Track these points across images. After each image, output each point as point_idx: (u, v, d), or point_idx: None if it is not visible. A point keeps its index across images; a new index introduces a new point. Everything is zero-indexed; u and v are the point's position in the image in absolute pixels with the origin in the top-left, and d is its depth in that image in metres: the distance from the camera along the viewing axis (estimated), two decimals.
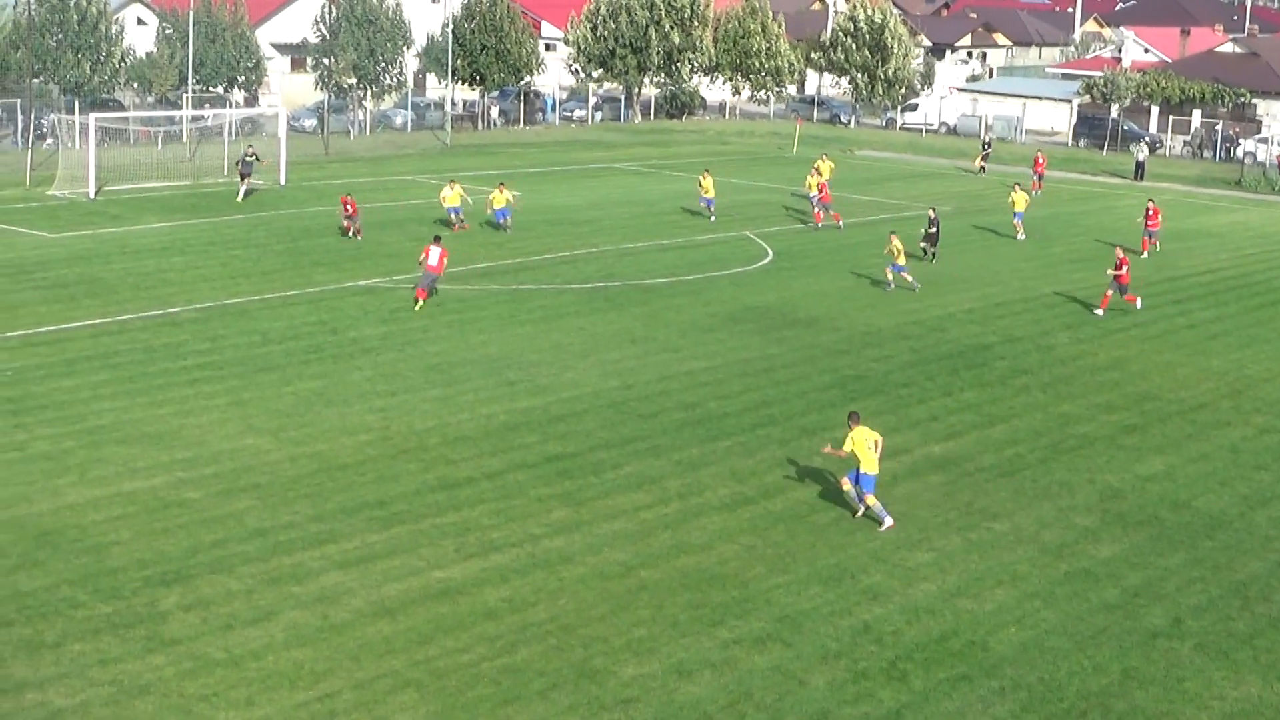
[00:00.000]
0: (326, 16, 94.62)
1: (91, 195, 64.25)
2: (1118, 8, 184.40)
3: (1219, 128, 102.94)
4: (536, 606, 24.44)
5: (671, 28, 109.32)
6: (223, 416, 33.67)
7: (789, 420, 35.21)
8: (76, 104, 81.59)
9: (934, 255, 55.66)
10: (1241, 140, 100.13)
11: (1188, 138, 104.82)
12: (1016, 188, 63.79)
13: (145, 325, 41.71)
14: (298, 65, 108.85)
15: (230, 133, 79.27)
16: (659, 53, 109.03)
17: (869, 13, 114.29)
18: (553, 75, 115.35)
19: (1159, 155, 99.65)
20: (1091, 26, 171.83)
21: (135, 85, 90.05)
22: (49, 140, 79.47)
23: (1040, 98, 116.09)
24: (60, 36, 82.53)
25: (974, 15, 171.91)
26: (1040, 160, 79.61)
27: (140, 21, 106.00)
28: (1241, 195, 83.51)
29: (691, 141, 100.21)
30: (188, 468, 30.16)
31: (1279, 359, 42.92)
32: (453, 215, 58.23)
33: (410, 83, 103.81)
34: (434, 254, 45.24)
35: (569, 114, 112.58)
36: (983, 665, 22.97)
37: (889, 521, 28.52)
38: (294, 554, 26.09)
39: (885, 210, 68.29)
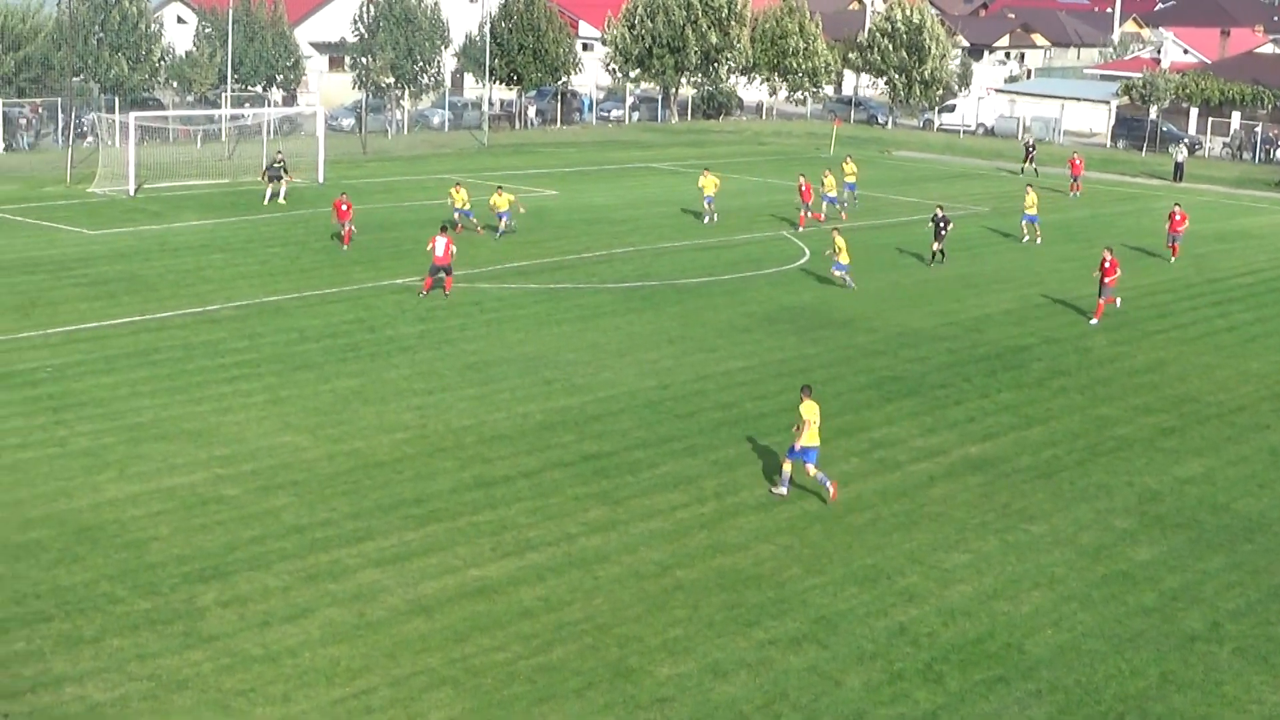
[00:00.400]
0: (365, 15, 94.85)
1: (131, 193, 64.57)
2: (1157, 8, 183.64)
3: (1259, 129, 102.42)
4: (572, 605, 24.47)
5: (709, 28, 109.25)
6: (261, 414, 33.80)
7: (825, 420, 34.81)
8: (117, 102, 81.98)
9: (942, 255, 54.93)
10: None
11: (1227, 139, 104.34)
12: (1029, 189, 63.08)
13: (184, 322, 41.90)
14: (336, 64, 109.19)
15: (269, 132, 79.55)
16: (696, 53, 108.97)
17: (906, 13, 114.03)
18: (590, 75, 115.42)
19: (1198, 157, 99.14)
20: (1130, 27, 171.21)
21: (175, 84, 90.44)
22: (89, 138, 79.88)
23: (1079, 99, 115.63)
24: (101, 35, 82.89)
25: (1012, 16, 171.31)
26: (1077, 162, 79.28)
27: (180, 20, 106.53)
28: None
29: (728, 142, 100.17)
30: (226, 464, 30.29)
31: None
32: (458, 215, 57.47)
33: (448, 82, 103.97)
34: (440, 245, 45.70)
35: (606, 114, 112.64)
36: (1019, 667, 22.91)
37: (832, 489, 29.52)
38: (331, 551, 26.18)
39: (923, 211, 68.07)
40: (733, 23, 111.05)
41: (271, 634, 22.92)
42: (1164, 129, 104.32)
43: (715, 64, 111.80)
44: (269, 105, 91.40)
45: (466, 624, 23.58)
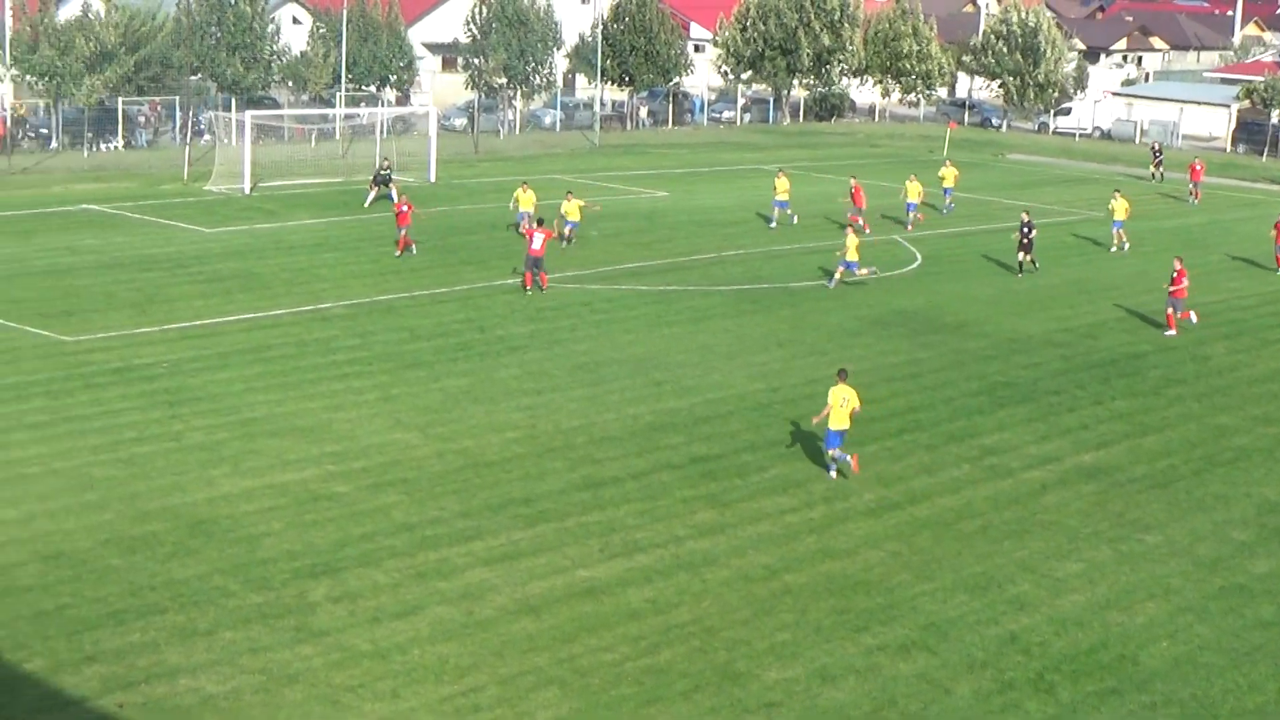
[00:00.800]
0: (477, 17, 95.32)
1: (246, 191, 65.29)
2: (1279, 11, 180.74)
3: None
4: (680, 608, 24.43)
5: (821, 29, 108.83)
6: (372, 411, 34.04)
7: (935, 426, 34.91)
8: (233, 101, 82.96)
9: (1033, 264, 53.24)
10: None
11: None
12: (1117, 194, 61.36)
13: (297, 320, 42.30)
14: (449, 65, 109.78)
15: (382, 131, 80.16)
16: (808, 54, 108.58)
17: (1022, 15, 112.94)
18: (701, 76, 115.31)
19: None
20: (1252, 30, 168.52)
21: (290, 83, 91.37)
22: (206, 137, 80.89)
23: (1198, 102, 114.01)
24: (218, 35, 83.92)
25: (1130, 18, 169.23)
26: (1198, 167, 78.11)
27: (295, 21, 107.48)
28: None
29: (840, 144, 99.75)
30: (337, 461, 30.53)
31: None
32: (521, 221, 55.23)
33: (559, 83, 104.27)
34: (537, 239, 46.12)
35: (717, 115, 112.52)
36: (1133, 679, 22.60)
37: (832, 473, 30.73)
38: (440, 549, 26.31)
39: (1037, 216, 67.40)
40: (845, 24, 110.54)
41: (381, 630, 23.06)
42: None
43: (827, 66, 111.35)
44: (382, 105, 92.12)
45: (574, 624, 23.61)
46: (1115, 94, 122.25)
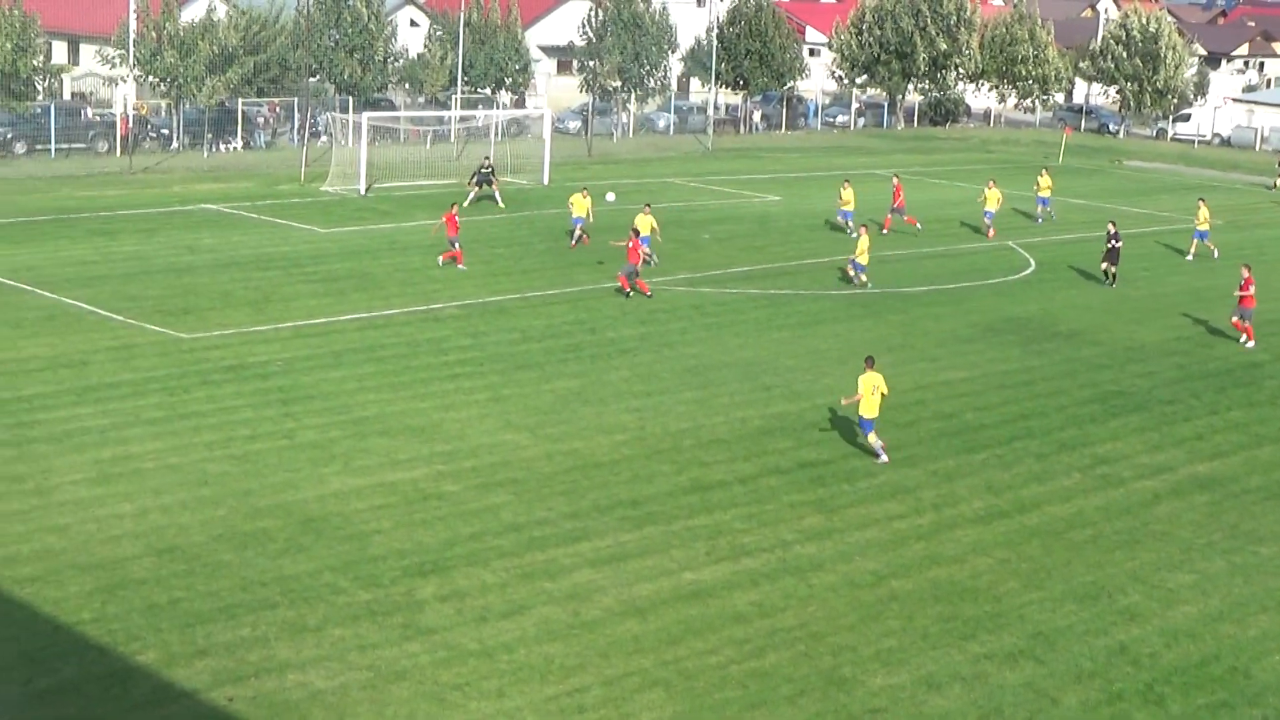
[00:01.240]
0: (593, 19, 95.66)
1: (362, 192, 65.93)
2: None
3: None
4: (786, 612, 24.40)
5: (937, 34, 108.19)
6: (482, 412, 34.26)
7: (1047, 434, 34.62)
8: (350, 103, 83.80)
9: (1114, 277, 51.77)
10: None
11: None
12: (1202, 203, 60.01)
13: (410, 320, 42.66)
14: (564, 68, 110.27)
15: (496, 133, 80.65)
16: (924, 59, 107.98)
17: (1143, 21, 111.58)
18: (816, 80, 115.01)
19: None
20: None
21: (406, 85, 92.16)
22: (323, 138, 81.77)
23: None
24: (336, 37, 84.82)
25: (1252, 24, 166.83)
26: None
27: (413, 23, 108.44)
28: None
29: (955, 149, 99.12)
30: (447, 461, 30.76)
31: None
32: (577, 227, 54.94)
33: (674, 86, 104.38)
34: (637, 246, 46.55)
35: (831, 119, 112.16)
36: (1245, 693, 22.30)
37: (884, 458, 31.72)
38: (547, 550, 26.44)
39: (1155, 223, 66.78)
40: (961, 29, 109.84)
41: (488, 629, 23.21)
42: None
43: (943, 70, 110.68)
44: (498, 107, 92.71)
45: (680, 627, 23.65)
46: (1236, 100, 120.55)
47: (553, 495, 29.13)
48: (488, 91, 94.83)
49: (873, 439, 31.91)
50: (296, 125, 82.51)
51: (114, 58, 77.40)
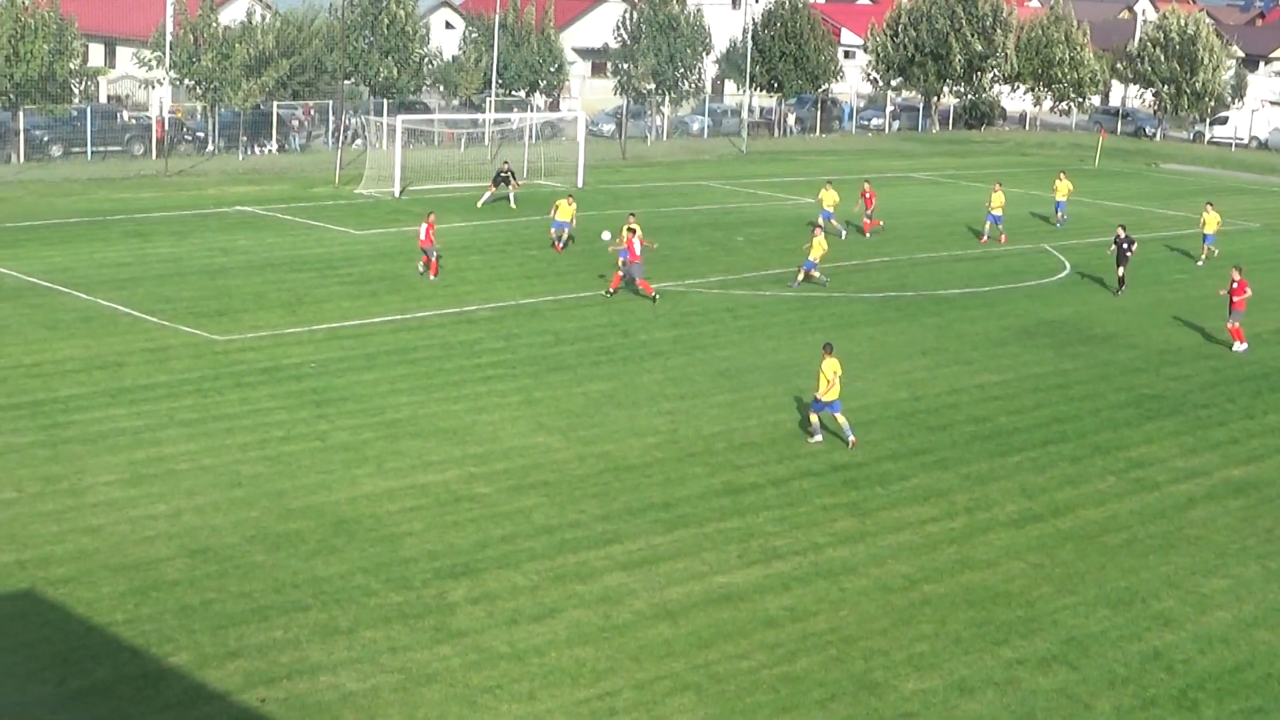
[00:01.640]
0: (627, 22, 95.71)
1: (396, 194, 66.06)
2: None
3: None
4: (818, 616, 24.34)
5: (973, 36, 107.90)
6: (514, 414, 34.28)
7: (1081, 438, 34.48)
8: (385, 105, 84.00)
9: (1123, 282, 50.44)
10: None
11: None
12: (1209, 208, 58.78)
13: (443, 322, 42.72)
14: (598, 70, 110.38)
15: (530, 136, 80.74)
16: (960, 61, 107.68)
17: (1180, 23, 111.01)
18: (850, 83, 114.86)
19: None
20: None
21: (441, 88, 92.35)
22: (358, 140, 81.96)
23: None
24: (371, 39, 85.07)
25: None
26: None
27: (448, 25, 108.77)
28: None
29: (990, 152, 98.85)
30: (479, 463, 30.78)
31: None
32: (564, 231, 54.25)
33: (708, 89, 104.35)
34: (635, 245, 46.10)
35: (866, 122, 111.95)
36: (1279, 699, 22.15)
37: (852, 439, 32.70)
38: (579, 552, 26.43)
39: (1190, 226, 66.38)
40: (997, 31, 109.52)
41: (519, 632, 23.21)
42: None
43: (979, 72, 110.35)
44: (532, 110, 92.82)
45: (711, 630, 23.61)
46: (1274, 103, 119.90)
47: (585, 498, 29.13)
48: (522, 94, 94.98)
49: (841, 419, 32.78)
50: (331, 128, 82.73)
51: (150, 60, 77.76)
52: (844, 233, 59.91)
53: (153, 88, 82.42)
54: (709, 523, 28.14)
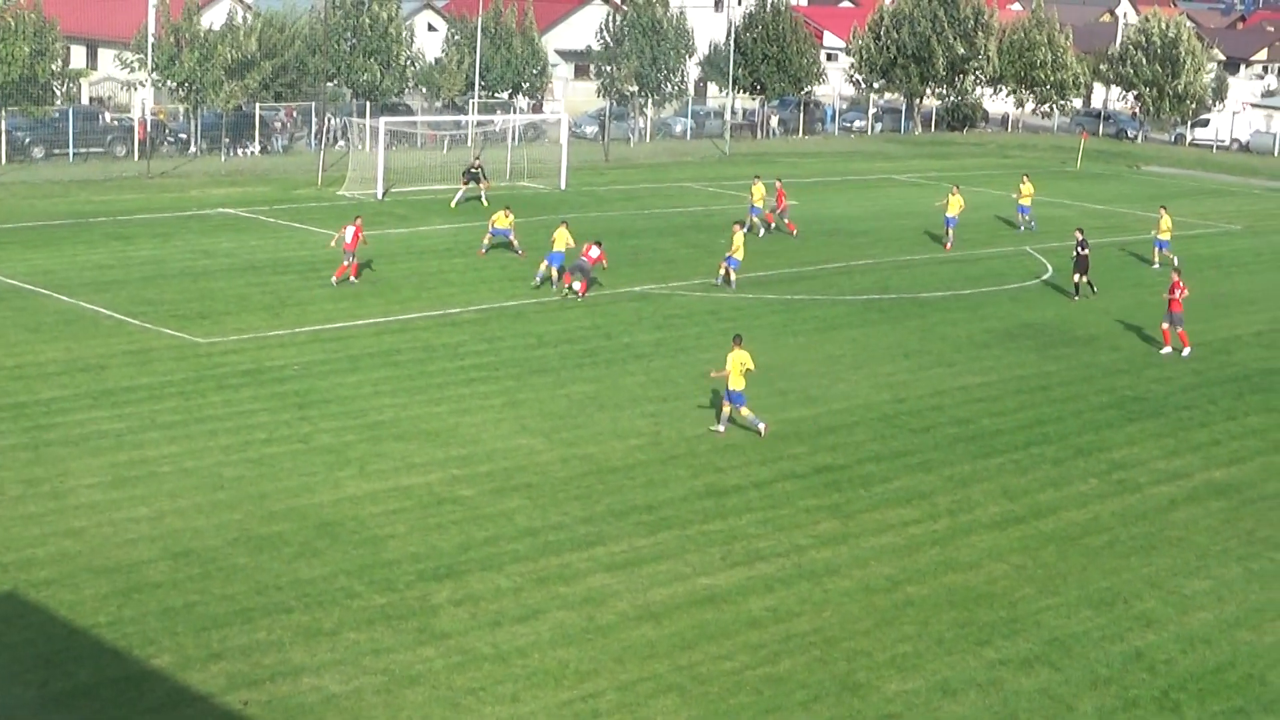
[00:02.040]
0: (611, 24, 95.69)
1: (379, 196, 66.00)
2: None
3: None
4: (801, 617, 24.38)
5: (955, 38, 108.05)
6: (497, 416, 34.29)
7: (1063, 439, 34.56)
8: (368, 107, 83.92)
9: (1088, 285, 49.89)
10: None
11: None
12: (1163, 211, 58.11)
13: (426, 324, 42.71)
14: (581, 72, 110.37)
15: (513, 138, 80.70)
16: (942, 63, 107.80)
17: (1162, 26, 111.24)
18: (833, 85, 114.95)
19: None
20: None
21: (424, 90, 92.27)
22: (340, 142, 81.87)
23: None
24: (354, 41, 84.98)
25: (1271, 29, 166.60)
26: None
27: (430, 28, 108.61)
28: None
29: (972, 154, 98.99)
30: (462, 465, 30.78)
31: None
32: (502, 238, 53.21)
33: (691, 91, 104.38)
34: (593, 250, 46.59)
35: (848, 124, 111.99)
36: (1260, 700, 22.24)
37: (762, 427, 33.34)
38: (562, 554, 26.44)
39: (1173, 229, 66.47)
40: (979, 33, 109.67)
41: (502, 634, 23.22)
42: None
43: (961, 75, 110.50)
44: (515, 112, 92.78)
45: (694, 632, 23.64)
46: (1254, 105, 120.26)
47: (567, 500, 29.14)
48: (505, 96, 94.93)
49: (746, 412, 33.42)
50: (314, 130, 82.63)
51: (132, 62, 77.60)
52: (763, 231, 59.83)
53: (135, 89, 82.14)
54: (692, 525, 28.16)
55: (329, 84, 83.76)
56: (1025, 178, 66.82)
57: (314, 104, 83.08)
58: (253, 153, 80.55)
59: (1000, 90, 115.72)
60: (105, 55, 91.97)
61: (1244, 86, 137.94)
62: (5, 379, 35.44)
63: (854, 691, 21.91)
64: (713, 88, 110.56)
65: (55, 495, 28.05)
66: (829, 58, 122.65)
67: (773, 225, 60.87)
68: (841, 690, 21.93)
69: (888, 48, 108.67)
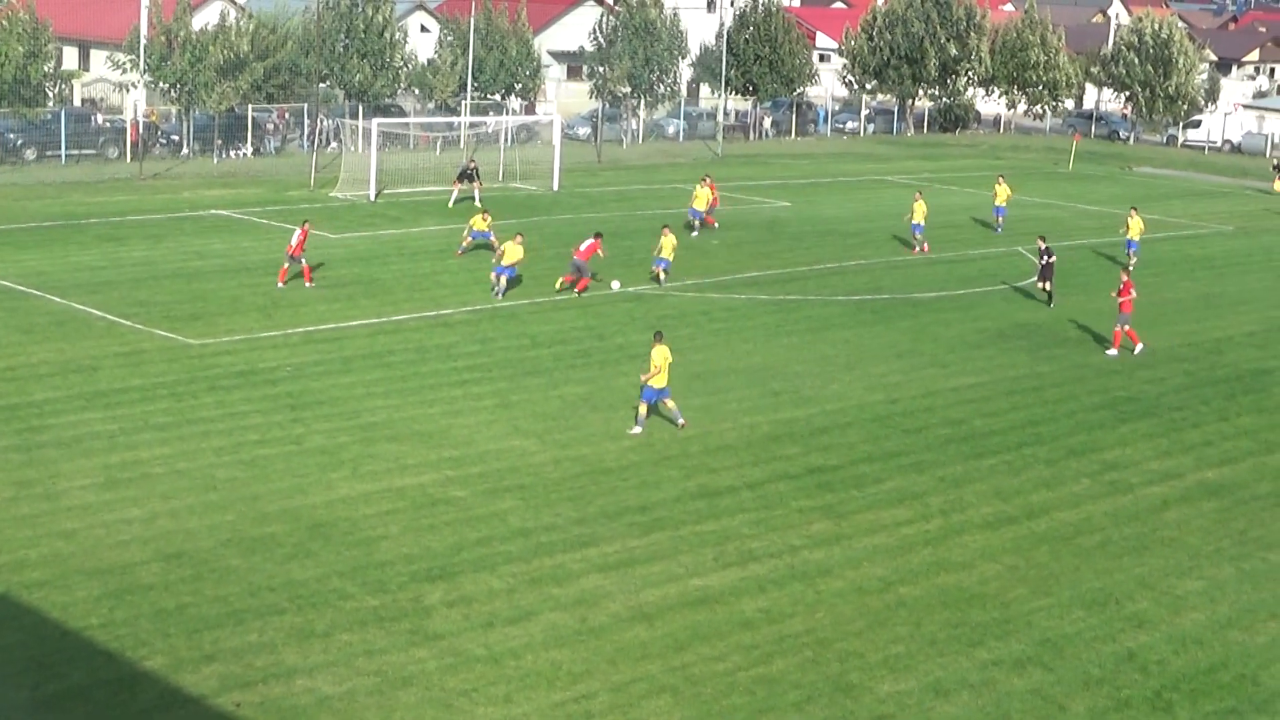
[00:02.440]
0: (603, 25, 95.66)
1: (372, 198, 65.97)
2: None
3: None
4: (793, 618, 24.39)
5: (948, 39, 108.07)
6: (490, 417, 34.28)
7: (1056, 440, 34.59)
8: (360, 109, 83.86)
9: (1050, 294, 49.03)
10: None
11: None
12: (1134, 213, 57.48)
13: (419, 326, 42.69)
14: (574, 74, 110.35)
15: (506, 139, 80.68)
16: (935, 64, 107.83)
17: (1155, 27, 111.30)
18: (826, 86, 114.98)
19: None
20: None
21: (416, 91, 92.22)
22: (333, 144, 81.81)
23: None
24: (346, 42, 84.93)
25: (1263, 29, 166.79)
26: None
27: (423, 29, 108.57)
28: None
29: (964, 155, 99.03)
30: (455, 466, 30.78)
31: None
32: (480, 239, 53.17)
33: (684, 92, 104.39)
34: (584, 245, 47.25)
35: (841, 126, 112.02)
36: (1253, 700, 22.27)
37: (682, 420, 33.64)
38: (555, 555, 26.44)
39: (1165, 229, 66.60)
40: (972, 34, 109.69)
41: (495, 635, 23.22)
42: None
43: (953, 76, 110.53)
44: (507, 113, 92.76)
45: (687, 632, 23.65)
46: (1246, 106, 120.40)
47: (560, 501, 29.14)
48: (498, 97, 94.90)
49: (670, 404, 33.62)
50: (306, 131, 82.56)
51: (124, 63, 77.51)
52: (695, 233, 59.44)
53: (127, 91, 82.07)
54: (685, 525, 28.17)
55: (321, 85, 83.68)
56: (1001, 179, 66.48)
57: (306, 105, 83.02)
58: (245, 154, 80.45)
59: (992, 91, 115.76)
60: (97, 57, 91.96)
61: (1236, 87, 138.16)
62: None
63: (847, 692, 21.93)
64: (705, 89, 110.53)
65: (47, 497, 28.03)
66: (821, 59, 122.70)
67: (710, 221, 60.75)
68: (834, 691, 21.94)
69: (880, 49, 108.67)
